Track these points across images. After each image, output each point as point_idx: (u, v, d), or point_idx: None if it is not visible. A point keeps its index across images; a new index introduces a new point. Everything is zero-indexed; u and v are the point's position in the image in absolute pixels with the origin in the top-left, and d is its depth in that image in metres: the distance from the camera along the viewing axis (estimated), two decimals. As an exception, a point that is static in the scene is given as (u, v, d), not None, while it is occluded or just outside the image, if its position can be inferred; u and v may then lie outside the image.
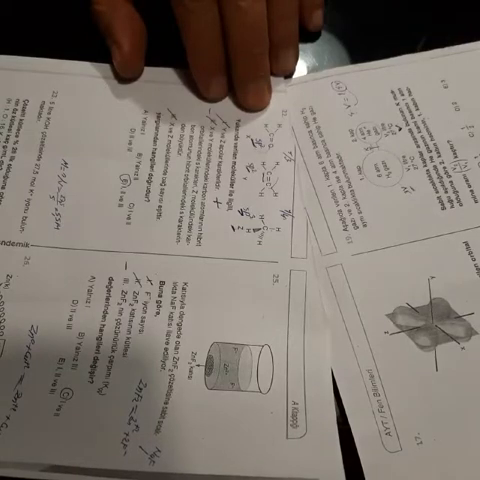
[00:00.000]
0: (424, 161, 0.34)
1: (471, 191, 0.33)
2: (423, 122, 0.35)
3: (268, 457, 0.27)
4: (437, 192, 0.33)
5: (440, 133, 0.34)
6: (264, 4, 0.32)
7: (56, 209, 0.32)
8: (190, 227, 0.32)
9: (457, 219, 0.32)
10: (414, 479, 0.27)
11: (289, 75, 0.37)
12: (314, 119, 0.35)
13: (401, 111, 0.35)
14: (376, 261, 0.31)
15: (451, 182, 0.33)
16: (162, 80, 0.36)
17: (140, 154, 0.34)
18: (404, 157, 0.34)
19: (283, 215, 0.33)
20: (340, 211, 0.33)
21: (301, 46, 0.36)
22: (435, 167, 0.34)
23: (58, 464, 0.27)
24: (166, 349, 0.29)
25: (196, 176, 0.34)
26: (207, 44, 0.33)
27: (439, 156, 0.34)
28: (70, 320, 0.30)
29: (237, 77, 0.35)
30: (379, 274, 0.31)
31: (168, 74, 0.36)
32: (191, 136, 0.35)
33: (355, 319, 0.30)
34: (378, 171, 0.34)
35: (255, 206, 0.33)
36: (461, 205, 0.32)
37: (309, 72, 0.37)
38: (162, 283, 0.31)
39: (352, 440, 0.27)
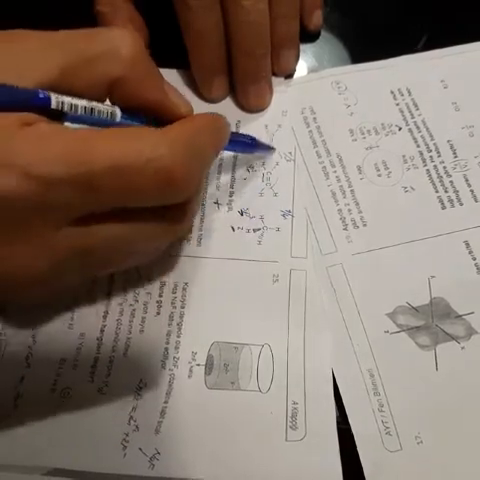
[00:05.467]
0: (424, 161, 0.34)
1: (471, 191, 0.33)
2: (423, 122, 0.35)
3: (267, 461, 0.27)
4: (437, 192, 0.33)
5: (440, 133, 0.34)
6: (266, 4, 0.32)
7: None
8: (190, 227, 0.32)
9: (457, 218, 0.32)
10: (414, 478, 0.27)
11: (289, 75, 0.37)
12: (314, 119, 0.35)
13: (401, 111, 0.35)
14: (376, 260, 0.31)
15: (451, 182, 0.33)
16: (162, 81, 0.36)
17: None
18: (404, 157, 0.34)
19: (283, 215, 0.33)
20: (340, 211, 0.33)
21: (301, 46, 0.37)
22: (435, 167, 0.34)
23: (58, 467, 0.27)
24: (166, 349, 0.29)
25: (196, 176, 0.34)
26: (209, 44, 0.33)
27: (439, 156, 0.34)
28: (71, 320, 0.30)
29: (238, 78, 0.35)
30: (379, 273, 0.31)
31: (168, 74, 0.36)
32: (191, 136, 0.35)
33: (355, 318, 0.30)
34: (378, 171, 0.34)
35: (255, 206, 0.33)
36: (461, 205, 0.32)
37: (309, 72, 0.37)
38: (163, 283, 0.31)
39: (352, 439, 0.27)
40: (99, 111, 0.23)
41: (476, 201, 0.33)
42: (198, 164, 0.24)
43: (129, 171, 0.21)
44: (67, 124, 0.22)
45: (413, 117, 0.35)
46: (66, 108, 0.21)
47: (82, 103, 0.22)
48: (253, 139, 0.32)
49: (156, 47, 0.36)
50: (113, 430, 0.27)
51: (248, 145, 0.32)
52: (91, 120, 0.23)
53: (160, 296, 0.31)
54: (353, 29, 0.39)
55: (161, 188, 0.22)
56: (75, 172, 0.20)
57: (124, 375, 0.29)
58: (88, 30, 0.23)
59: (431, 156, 0.34)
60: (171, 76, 0.36)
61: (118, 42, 0.23)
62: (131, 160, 0.21)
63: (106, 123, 0.23)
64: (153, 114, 0.25)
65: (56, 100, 0.21)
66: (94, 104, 0.22)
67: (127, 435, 0.27)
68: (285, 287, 0.31)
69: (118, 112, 0.23)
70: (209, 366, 0.29)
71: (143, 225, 0.23)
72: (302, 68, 0.37)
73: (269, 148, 0.34)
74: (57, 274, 0.23)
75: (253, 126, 0.35)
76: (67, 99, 0.21)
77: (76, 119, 0.22)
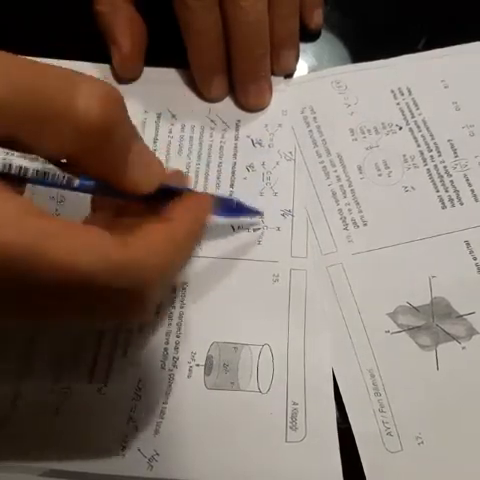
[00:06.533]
0: (424, 160, 0.34)
1: (471, 190, 0.33)
2: (423, 121, 0.35)
3: (267, 461, 0.27)
4: (438, 191, 0.33)
5: (440, 132, 0.34)
6: (266, 4, 0.32)
7: (56, 209, 0.32)
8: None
9: (458, 218, 0.32)
10: (415, 479, 0.27)
11: (289, 75, 0.37)
12: (314, 118, 0.35)
13: (401, 110, 0.35)
14: (376, 260, 0.31)
15: (451, 181, 0.33)
16: (162, 80, 0.36)
17: (140, 154, 0.34)
18: (404, 156, 0.34)
19: (283, 214, 0.32)
20: (340, 210, 0.33)
21: (301, 46, 0.37)
22: (436, 166, 0.33)
23: (58, 468, 0.27)
24: (166, 349, 0.29)
25: (196, 176, 0.34)
26: (209, 43, 0.33)
27: (439, 155, 0.34)
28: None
29: (238, 77, 0.35)
30: (380, 273, 0.31)
31: (168, 74, 0.36)
32: (191, 136, 0.35)
33: (356, 318, 0.30)
34: (379, 170, 0.34)
35: (255, 206, 0.33)
36: (462, 204, 0.32)
37: (309, 72, 0.37)
38: (162, 283, 0.31)
39: (353, 439, 0.27)
40: (54, 175, 0.20)
41: (476, 201, 0.32)
42: (165, 280, 0.22)
43: (77, 290, 0.18)
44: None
45: (413, 116, 0.35)
46: (14, 171, 0.19)
47: (34, 166, 0.19)
48: (238, 203, 0.30)
49: (156, 47, 0.36)
50: (112, 430, 0.27)
51: (232, 210, 0.30)
52: (47, 183, 0.20)
53: (160, 296, 0.30)
54: (353, 29, 0.39)
55: (115, 312, 0.20)
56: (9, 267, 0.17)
57: (123, 375, 0.29)
58: (59, 74, 0.19)
59: (431, 155, 0.34)
60: (171, 76, 0.36)
61: (81, 104, 0.18)
62: (84, 278, 0.18)
63: (64, 186, 0.21)
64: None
65: (3, 162, 0.19)
66: (49, 167, 0.20)
67: (126, 436, 0.27)
68: (285, 287, 0.31)
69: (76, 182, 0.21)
70: (208, 366, 0.29)
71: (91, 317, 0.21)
72: (302, 67, 0.37)
73: (256, 213, 0.32)
74: None
75: (253, 125, 0.35)
76: (16, 161, 0.19)
77: (32, 181, 0.20)
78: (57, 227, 0.18)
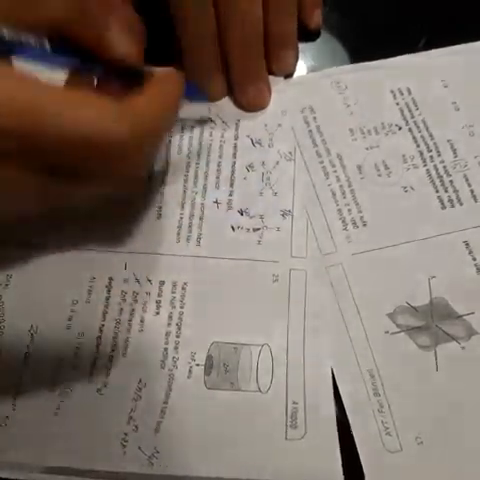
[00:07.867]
0: (424, 160, 0.34)
1: (471, 190, 0.33)
2: (423, 122, 0.35)
3: (267, 459, 0.27)
4: (437, 191, 0.33)
5: (440, 132, 0.34)
6: (260, 4, 0.32)
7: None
8: (190, 227, 0.32)
9: (457, 218, 0.32)
10: (414, 479, 0.27)
11: (289, 75, 0.37)
12: (314, 118, 0.35)
13: (401, 111, 0.35)
14: (376, 260, 0.31)
15: (451, 181, 0.33)
16: (162, 80, 0.36)
17: (140, 154, 0.34)
18: (404, 156, 0.34)
19: (283, 215, 0.32)
20: (340, 210, 0.33)
21: (301, 46, 0.36)
22: (435, 166, 0.34)
23: (57, 465, 0.27)
24: (165, 349, 0.29)
25: (196, 176, 0.34)
26: (204, 43, 0.33)
27: (439, 155, 0.34)
28: (70, 320, 0.30)
29: (236, 78, 0.35)
30: (379, 273, 0.31)
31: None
32: (191, 136, 0.35)
33: (355, 318, 0.30)
34: (378, 170, 0.34)
35: (255, 206, 0.33)
36: (461, 204, 0.32)
37: (309, 72, 0.37)
38: (162, 283, 0.31)
39: (352, 440, 0.27)
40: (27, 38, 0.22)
41: (476, 201, 0.33)
42: (151, 140, 0.24)
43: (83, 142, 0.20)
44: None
45: (413, 117, 0.35)
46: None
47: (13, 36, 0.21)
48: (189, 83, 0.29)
49: (156, 47, 0.36)
50: (112, 430, 0.27)
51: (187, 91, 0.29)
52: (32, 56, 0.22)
53: (159, 296, 0.31)
54: (353, 29, 0.39)
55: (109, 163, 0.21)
56: (21, 124, 0.19)
57: (123, 375, 0.29)
58: None
59: (431, 156, 0.34)
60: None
61: None
62: (85, 131, 0.19)
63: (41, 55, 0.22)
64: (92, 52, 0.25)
65: None
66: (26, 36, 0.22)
67: (126, 435, 0.27)
68: (285, 287, 0.31)
69: (46, 43, 0.23)
70: (208, 366, 0.29)
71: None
72: (302, 68, 0.37)
73: (202, 96, 0.33)
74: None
75: (253, 125, 0.35)
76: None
77: (21, 52, 0.21)
78: (53, 89, 0.20)
